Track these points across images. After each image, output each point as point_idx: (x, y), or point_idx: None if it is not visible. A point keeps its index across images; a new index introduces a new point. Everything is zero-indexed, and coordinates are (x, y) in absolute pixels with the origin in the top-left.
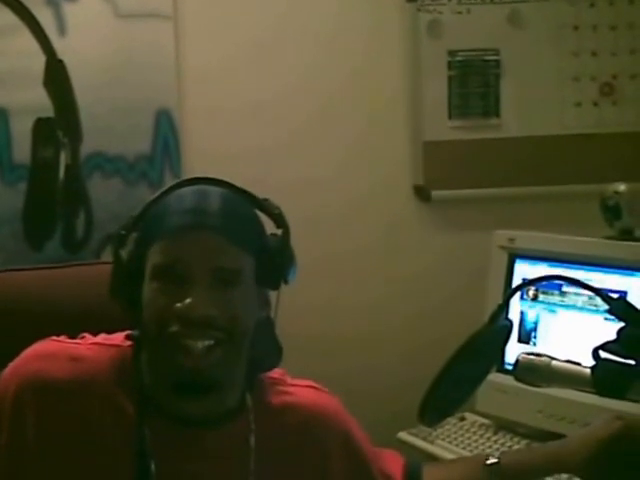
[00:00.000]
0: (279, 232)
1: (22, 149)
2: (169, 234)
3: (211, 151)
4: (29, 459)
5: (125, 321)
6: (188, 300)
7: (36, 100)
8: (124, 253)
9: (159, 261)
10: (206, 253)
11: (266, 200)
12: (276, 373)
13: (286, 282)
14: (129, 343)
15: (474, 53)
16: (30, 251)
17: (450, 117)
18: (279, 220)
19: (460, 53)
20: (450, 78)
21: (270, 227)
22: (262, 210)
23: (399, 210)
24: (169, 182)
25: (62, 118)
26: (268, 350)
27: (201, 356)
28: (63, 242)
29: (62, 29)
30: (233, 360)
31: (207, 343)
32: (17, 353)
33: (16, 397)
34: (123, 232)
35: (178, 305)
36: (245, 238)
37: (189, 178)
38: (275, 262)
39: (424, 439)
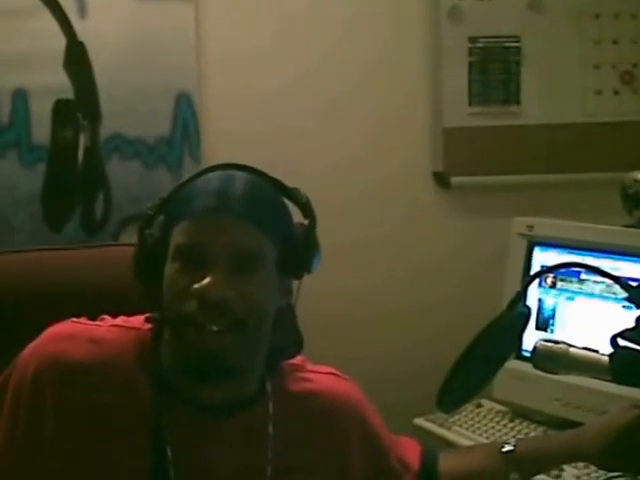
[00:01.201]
0: (306, 222)
1: (41, 130)
2: (193, 215)
3: (231, 135)
4: (47, 440)
5: (145, 303)
6: (206, 281)
7: (56, 81)
8: (149, 233)
9: (181, 241)
10: (228, 236)
11: (295, 189)
12: (296, 359)
13: (309, 272)
14: (149, 326)
15: (495, 40)
16: (49, 233)
17: (470, 104)
18: (306, 210)
19: (481, 40)
20: (471, 64)
21: (298, 217)
22: (290, 199)
23: (418, 196)
24: (188, 165)
25: (82, 100)
26: (289, 338)
27: (215, 338)
28: (82, 224)
29: (83, 11)
30: (249, 346)
31: (222, 326)
32: (36, 334)
33: (35, 378)
34: (150, 212)
35: (196, 286)
36: (269, 225)
37: (220, 164)
38: (299, 252)
39: (441, 425)
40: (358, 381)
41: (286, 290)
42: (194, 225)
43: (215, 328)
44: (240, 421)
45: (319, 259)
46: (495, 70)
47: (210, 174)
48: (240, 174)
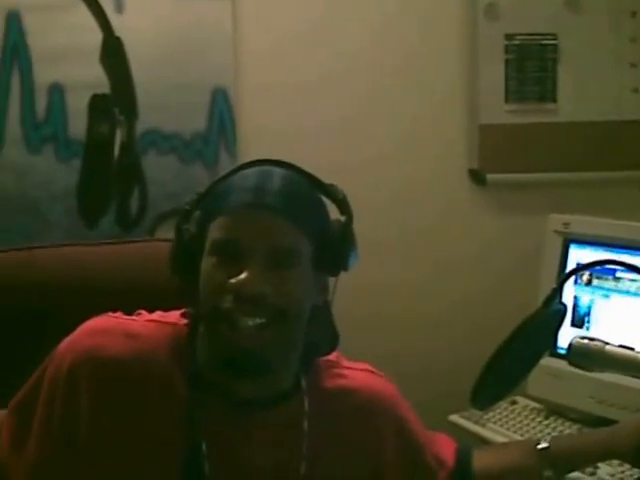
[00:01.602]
0: (342, 218)
1: (78, 125)
2: (230, 211)
3: (267, 130)
4: (82, 433)
5: (181, 299)
6: (242, 276)
7: (92, 76)
8: (186, 229)
9: (218, 237)
10: (264, 232)
11: (332, 185)
12: (332, 356)
13: (345, 269)
14: (185, 321)
15: (531, 37)
16: (84, 228)
17: (506, 101)
18: (343, 206)
19: (517, 37)
20: (507, 62)
21: (335, 213)
22: (327, 195)
23: (454, 193)
24: (224, 161)
25: (118, 95)
26: (324, 335)
27: (251, 334)
28: (117, 219)
29: (120, 6)
30: (285, 341)
31: (258, 321)
32: (71, 329)
33: (70, 372)
34: (187, 208)
35: (232, 281)
36: (305, 221)
37: (257, 159)
38: (335, 249)
39: (475, 422)
40: (393, 377)
41: (322, 287)
42: (231, 221)
43: (250, 323)
44: (275, 417)
45: (356, 256)
46: (531, 67)
47: (247, 170)
48: (277, 170)
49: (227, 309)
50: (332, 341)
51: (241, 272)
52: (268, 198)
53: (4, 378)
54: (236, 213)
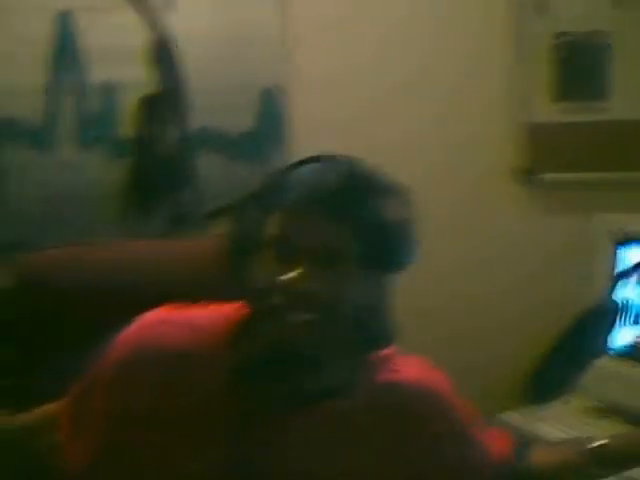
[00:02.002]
0: (401, 216)
1: (128, 124)
2: (284, 208)
3: (316, 128)
4: (139, 421)
5: (233, 293)
6: (294, 273)
7: (143, 76)
8: (240, 225)
9: (271, 233)
10: (318, 230)
11: (394, 185)
12: (387, 350)
13: (403, 268)
14: (237, 315)
15: (581, 35)
16: (136, 225)
17: (557, 99)
18: (402, 204)
19: (567, 35)
20: (557, 59)
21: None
22: (385, 193)
23: (503, 192)
24: (273, 158)
25: (169, 94)
26: (380, 331)
27: (300, 331)
28: (169, 216)
29: (170, 5)
30: (333, 338)
31: (307, 318)
32: (127, 322)
33: (131, 361)
34: (242, 204)
35: (283, 278)
36: (360, 220)
37: (314, 156)
38: (392, 248)
39: (529, 420)
40: (447, 373)
41: (379, 284)
42: (285, 217)
43: (300, 320)
44: (324, 412)
45: (413, 257)
46: (582, 65)
47: (303, 167)
48: (334, 167)
49: (277, 306)
50: (387, 338)
51: (292, 269)
52: (323, 197)
53: (60, 372)
54: (291, 210)
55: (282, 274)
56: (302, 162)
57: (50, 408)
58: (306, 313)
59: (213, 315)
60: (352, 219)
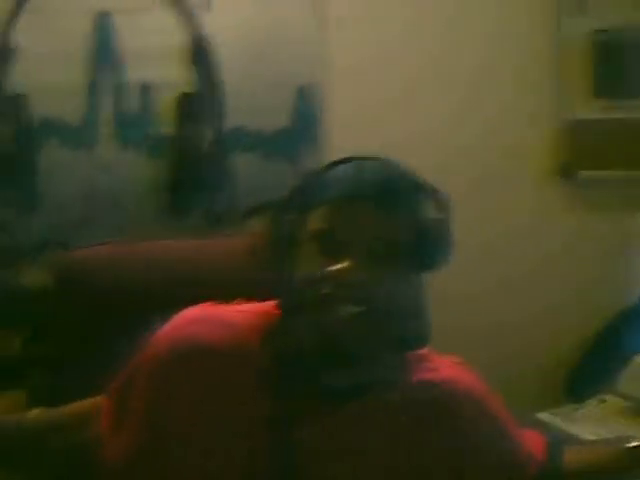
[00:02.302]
0: (439, 216)
1: (166, 123)
2: (328, 202)
3: (351, 126)
4: (176, 419)
5: (274, 290)
6: (339, 266)
7: (180, 75)
8: (281, 221)
9: (315, 227)
10: (361, 224)
11: (431, 185)
12: (423, 350)
13: (440, 266)
14: (278, 312)
15: (621, 31)
16: (173, 223)
17: (597, 96)
18: (443, 206)
19: (607, 32)
20: (596, 56)
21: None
22: (424, 192)
23: (544, 189)
24: (308, 157)
25: (206, 93)
26: (416, 331)
27: (343, 324)
28: (205, 214)
29: (208, 4)
30: (375, 333)
31: (353, 310)
32: (164, 319)
33: (167, 359)
34: (282, 201)
35: (331, 269)
36: (402, 215)
37: (354, 155)
38: (432, 245)
39: (564, 420)
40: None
41: (417, 281)
42: (329, 212)
43: (344, 313)
44: (359, 408)
45: (450, 256)
46: (622, 62)
47: (345, 164)
48: (378, 165)
49: (323, 296)
50: (424, 337)
51: (340, 261)
52: (366, 190)
53: (95, 371)
54: (335, 205)
55: (327, 267)
56: (337, 162)
57: (84, 404)
58: (355, 305)
59: (248, 313)
60: (399, 213)
